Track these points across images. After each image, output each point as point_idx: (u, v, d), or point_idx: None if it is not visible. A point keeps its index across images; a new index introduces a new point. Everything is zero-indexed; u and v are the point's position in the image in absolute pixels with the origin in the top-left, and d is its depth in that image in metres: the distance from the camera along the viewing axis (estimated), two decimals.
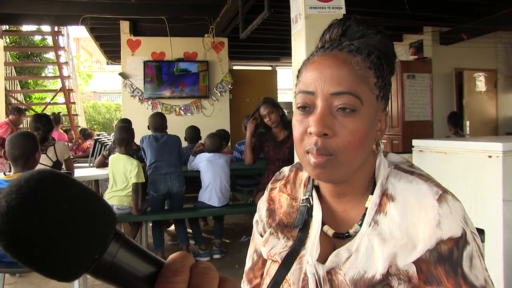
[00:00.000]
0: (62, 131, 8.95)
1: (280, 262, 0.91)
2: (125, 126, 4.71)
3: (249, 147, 4.41)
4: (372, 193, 0.86)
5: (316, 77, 0.81)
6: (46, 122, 4.20)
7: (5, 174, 2.92)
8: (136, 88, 7.37)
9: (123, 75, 7.38)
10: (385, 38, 0.87)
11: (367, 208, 0.85)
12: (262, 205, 1.04)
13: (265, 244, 0.97)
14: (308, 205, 0.93)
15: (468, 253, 0.76)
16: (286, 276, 0.88)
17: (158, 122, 4.70)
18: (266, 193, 1.05)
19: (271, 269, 0.94)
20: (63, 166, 4.19)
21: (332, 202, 0.91)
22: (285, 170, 1.05)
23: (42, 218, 0.36)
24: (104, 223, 0.40)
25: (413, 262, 0.78)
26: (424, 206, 0.79)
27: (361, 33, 0.86)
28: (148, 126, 4.81)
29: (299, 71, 0.89)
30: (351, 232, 0.86)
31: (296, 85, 0.88)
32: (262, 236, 1.02)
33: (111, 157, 4.32)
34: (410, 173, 0.86)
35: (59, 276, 0.39)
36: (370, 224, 0.84)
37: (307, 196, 0.95)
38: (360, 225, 0.85)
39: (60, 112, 9.30)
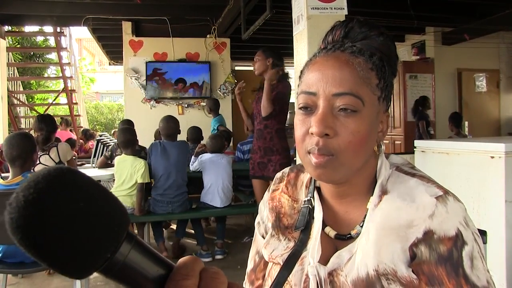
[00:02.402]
0: (70, 132, 9.03)
1: (281, 264, 0.91)
2: (127, 128, 4.69)
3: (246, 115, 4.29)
4: (373, 194, 0.86)
5: (318, 78, 0.82)
6: (49, 123, 4.21)
7: (2, 178, 2.92)
8: (139, 88, 7.39)
9: (129, 71, 7.38)
10: (387, 40, 0.88)
11: (368, 209, 0.86)
12: (263, 206, 1.05)
13: (266, 247, 0.97)
14: (310, 206, 0.93)
15: (468, 253, 0.76)
16: (288, 278, 0.89)
17: (172, 127, 4.48)
18: (268, 194, 1.05)
19: (273, 271, 0.94)
20: None
21: (333, 203, 0.91)
22: (286, 171, 1.06)
23: (59, 215, 0.37)
24: (118, 223, 0.40)
25: (414, 264, 0.78)
26: (420, 200, 0.80)
27: (363, 34, 0.87)
28: (156, 133, 4.70)
29: (301, 72, 0.89)
30: (353, 234, 0.86)
31: (298, 86, 0.89)
32: (264, 238, 1.02)
33: (117, 158, 4.29)
34: (412, 175, 0.86)
35: (71, 272, 0.39)
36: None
37: (308, 197, 0.95)
38: (362, 226, 0.85)
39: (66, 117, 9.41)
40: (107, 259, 0.39)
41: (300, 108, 0.84)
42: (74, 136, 8.69)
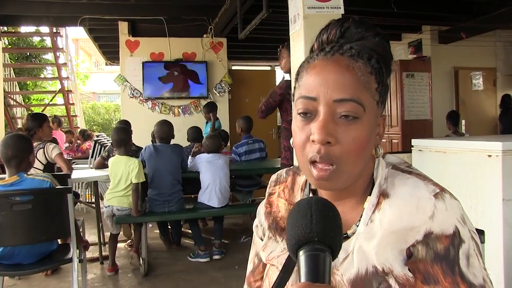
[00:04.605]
0: (62, 132, 9.01)
1: (276, 266, 0.91)
2: (122, 127, 4.66)
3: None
4: (370, 194, 0.86)
5: (318, 83, 0.80)
6: (34, 119, 4.21)
7: None
8: (135, 89, 7.37)
9: (119, 78, 7.38)
10: (383, 40, 0.87)
11: (364, 208, 0.85)
12: (261, 209, 1.04)
13: (264, 249, 0.97)
14: None
15: (464, 251, 0.76)
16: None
17: (165, 131, 4.54)
18: (265, 198, 1.05)
19: (270, 271, 0.94)
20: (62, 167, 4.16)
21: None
22: (282, 173, 1.05)
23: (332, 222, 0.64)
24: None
25: (410, 263, 0.77)
26: (419, 200, 0.79)
27: (360, 35, 0.85)
28: (153, 134, 4.70)
29: (297, 73, 0.87)
30: (349, 233, 0.86)
31: (295, 88, 0.87)
32: (262, 240, 1.02)
33: (111, 159, 4.26)
34: (408, 173, 0.86)
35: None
36: (367, 224, 0.84)
37: None
38: (358, 226, 0.85)
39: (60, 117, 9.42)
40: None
41: (299, 114, 0.82)
42: (63, 138, 8.67)
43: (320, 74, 0.80)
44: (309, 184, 0.96)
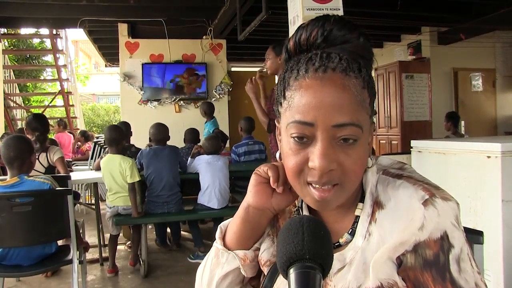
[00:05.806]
0: (68, 134, 9.03)
1: (265, 272, 0.90)
2: (114, 126, 4.62)
3: (260, 109, 3.74)
4: (361, 201, 0.84)
5: (314, 106, 0.74)
6: (44, 123, 4.17)
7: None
8: (135, 90, 7.38)
9: (123, 75, 7.38)
10: (367, 41, 0.82)
11: (357, 216, 0.84)
12: None
13: (261, 243, 0.95)
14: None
15: (455, 256, 0.73)
16: (275, 286, 0.87)
17: (161, 133, 4.54)
18: None
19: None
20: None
21: (322, 214, 0.89)
22: None
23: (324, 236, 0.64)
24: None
25: (401, 271, 0.76)
26: (410, 209, 0.77)
27: (344, 38, 0.80)
28: (149, 138, 4.71)
29: (284, 88, 0.81)
30: (342, 242, 0.84)
31: (281, 103, 0.81)
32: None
33: (103, 159, 4.23)
34: (398, 177, 0.83)
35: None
36: (365, 237, 0.81)
37: (297, 208, 0.94)
38: (350, 234, 0.84)
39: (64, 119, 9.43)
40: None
41: (293, 138, 0.77)
42: (70, 140, 8.67)
43: (315, 97, 0.75)
44: None
